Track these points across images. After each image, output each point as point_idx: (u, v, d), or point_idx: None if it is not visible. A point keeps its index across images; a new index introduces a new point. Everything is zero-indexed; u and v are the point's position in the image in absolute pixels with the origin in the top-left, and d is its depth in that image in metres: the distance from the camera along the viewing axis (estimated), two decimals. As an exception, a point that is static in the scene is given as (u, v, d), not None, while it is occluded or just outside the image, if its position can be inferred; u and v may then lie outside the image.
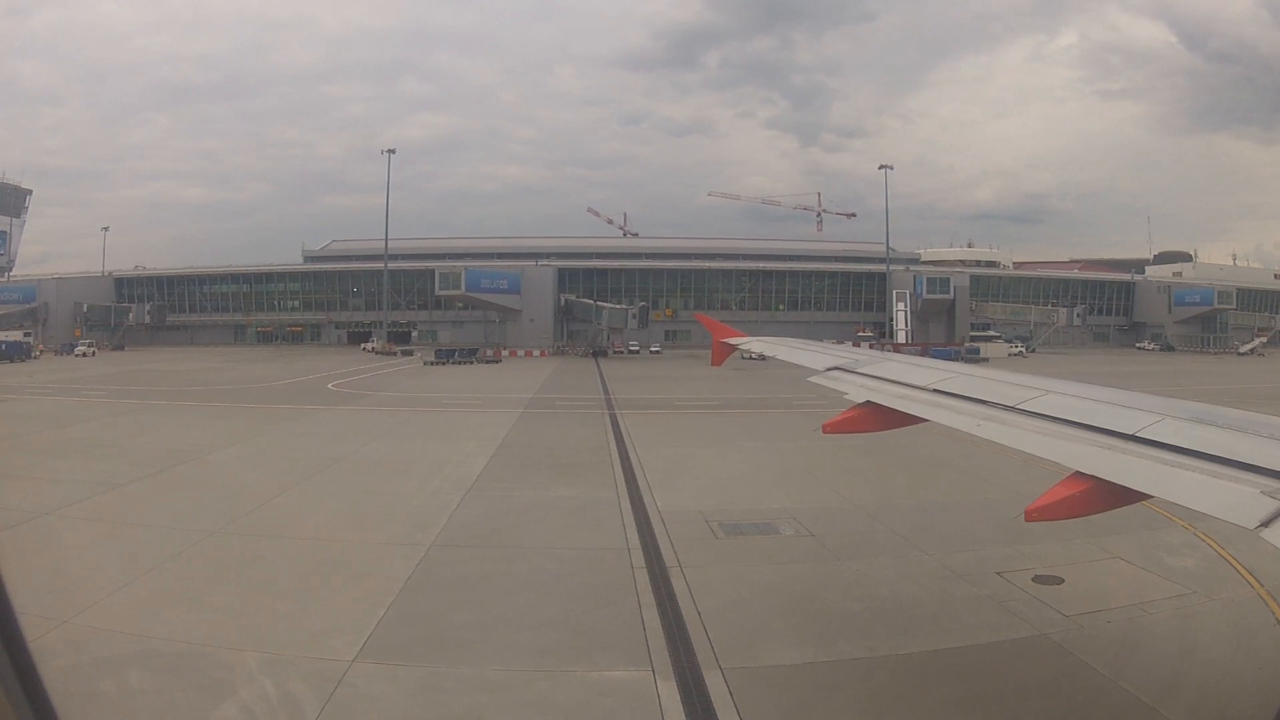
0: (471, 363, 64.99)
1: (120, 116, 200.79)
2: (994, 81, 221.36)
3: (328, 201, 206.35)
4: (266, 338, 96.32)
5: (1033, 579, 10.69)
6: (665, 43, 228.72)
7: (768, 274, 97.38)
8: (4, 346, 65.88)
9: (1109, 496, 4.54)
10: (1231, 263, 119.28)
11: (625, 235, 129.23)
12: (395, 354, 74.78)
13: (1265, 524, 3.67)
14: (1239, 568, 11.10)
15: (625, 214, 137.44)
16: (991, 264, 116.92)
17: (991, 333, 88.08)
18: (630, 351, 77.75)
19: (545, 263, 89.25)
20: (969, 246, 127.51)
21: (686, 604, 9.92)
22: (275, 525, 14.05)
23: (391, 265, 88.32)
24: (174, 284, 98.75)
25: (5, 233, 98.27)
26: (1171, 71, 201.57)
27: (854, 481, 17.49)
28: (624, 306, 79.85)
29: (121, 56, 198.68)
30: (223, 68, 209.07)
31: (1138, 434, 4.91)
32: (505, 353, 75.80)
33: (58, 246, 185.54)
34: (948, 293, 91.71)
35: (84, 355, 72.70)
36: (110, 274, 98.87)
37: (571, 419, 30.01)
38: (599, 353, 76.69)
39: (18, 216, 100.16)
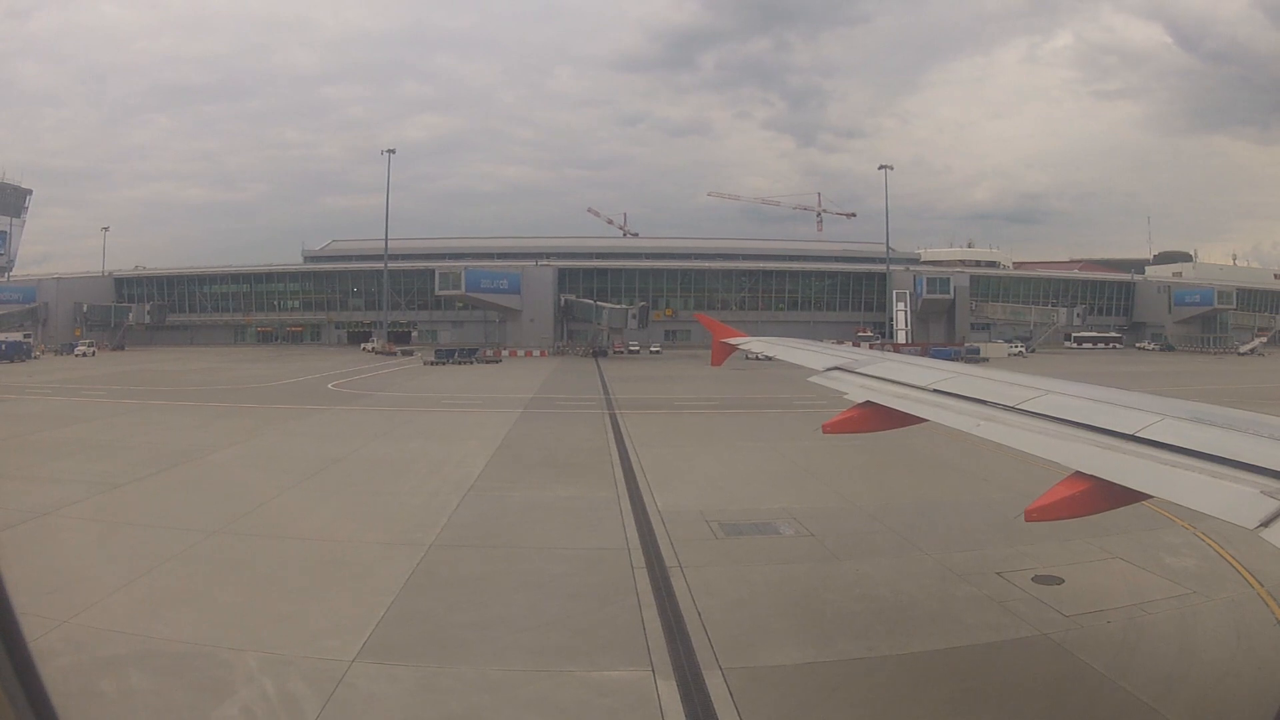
0: (471, 363, 64.98)
1: (121, 117, 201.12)
2: (990, 82, 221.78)
3: (328, 202, 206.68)
4: (266, 338, 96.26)
5: (1033, 579, 10.69)
6: (662, 44, 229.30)
7: (768, 274, 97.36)
8: (4, 346, 65.82)
9: (1109, 496, 4.54)
10: (1231, 263, 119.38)
11: (625, 235, 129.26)
12: (395, 354, 74.75)
13: (1265, 524, 3.67)
14: (1239, 568, 11.10)
15: (625, 214, 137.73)
16: (991, 264, 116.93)
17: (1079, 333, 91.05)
18: (630, 351, 77.68)
19: (545, 263, 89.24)
20: (969, 246, 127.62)
21: (686, 604, 9.92)
22: (275, 525, 14.06)
23: (391, 265, 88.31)
24: (174, 284, 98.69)
25: (5, 233, 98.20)
26: (1167, 72, 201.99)
27: (854, 481, 17.49)
28: (624, 306, 79.83)
29: (122, 57, 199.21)
30: (223, 69, 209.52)
31: (1137, 434, 4.90)
32: (505, 353, 75.78)
33: (58, 246, 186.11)
34: (948, 293, 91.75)
35: (84, 355, 72.67)
36: (110, 274, 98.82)
37: (571, 419, 30.02)
38: (599, 353, 76.67)
39: (18, 216, 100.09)
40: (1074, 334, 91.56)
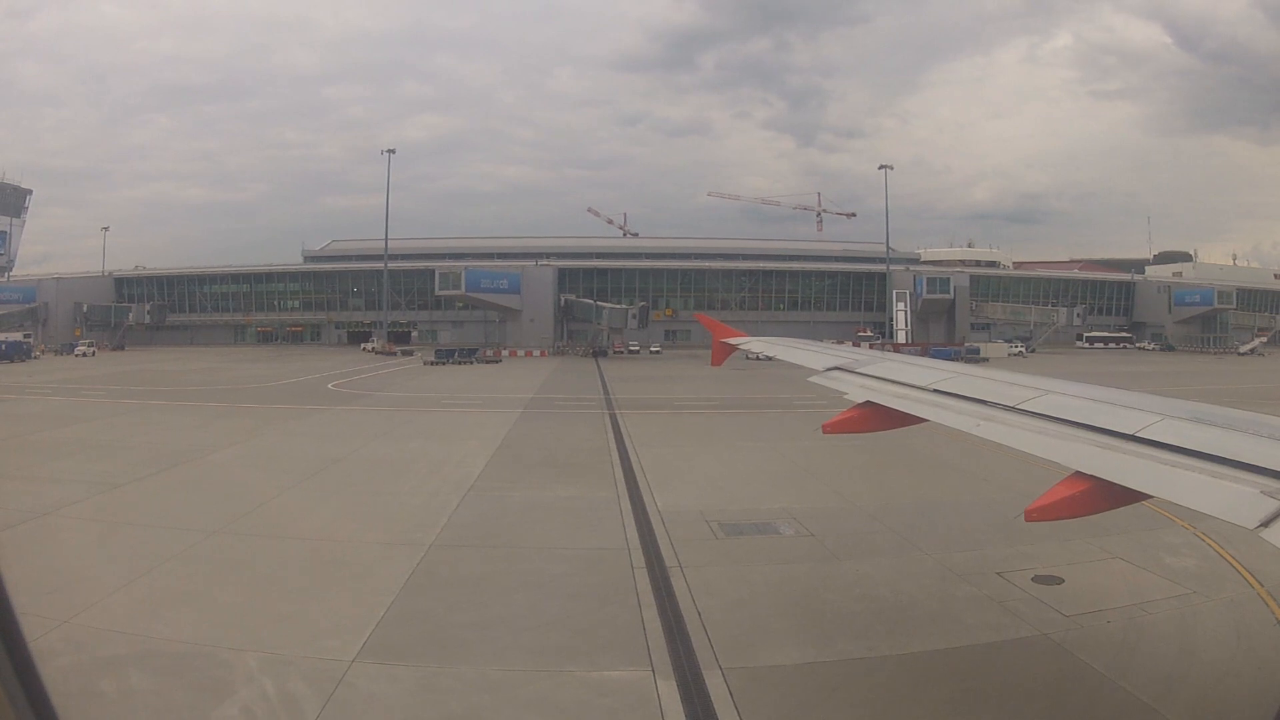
0: (471, 363, 64.97)
1: (121, 117, 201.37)
2: (989, 83, 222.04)
3: (328, 202, 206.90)
4: (266, 338, 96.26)
5: (1033, 579, 10.69)
6: (662, 44, 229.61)
7: (768, 274, 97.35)
8: (4, 346, 65.78)
9: (1109, 496, 4.54)
10: (1231, 263, 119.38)
11: (625, 235, 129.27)
12: (395, 354, 74.72)
13: (1265, 524, 3.67)
14: (1239, 568, 11.10)
15: (625, 214, 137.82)
16: (991, 264, 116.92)
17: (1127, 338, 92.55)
18: (630, 351, 77.64)
19: (545, 263, 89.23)
20: (969, 246, 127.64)
21: (686, 604, 9.92)
22: (275, 525, 14.05)
23: (391, 265, 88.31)
24: (174, 284, 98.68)
25: (5, 233, 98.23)
26: (1167, 72, 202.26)
27: (854, 481, 17.48)
28: (624, 306, 79.79)
29: (122, 58, 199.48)
30: (223, 69, 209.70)
31: (1137, 434, 4.90)
32: (505, 353, 75.77)
33: (58, 246, 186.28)
34: (948, 293, 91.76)
35: (84, 355, 72.65)
36: (110, 274, 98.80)
37: (571, 419, 30.01)
38: (599, 353, 76.66)
39: (18, 216, 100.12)
40: (1086, 334, 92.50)
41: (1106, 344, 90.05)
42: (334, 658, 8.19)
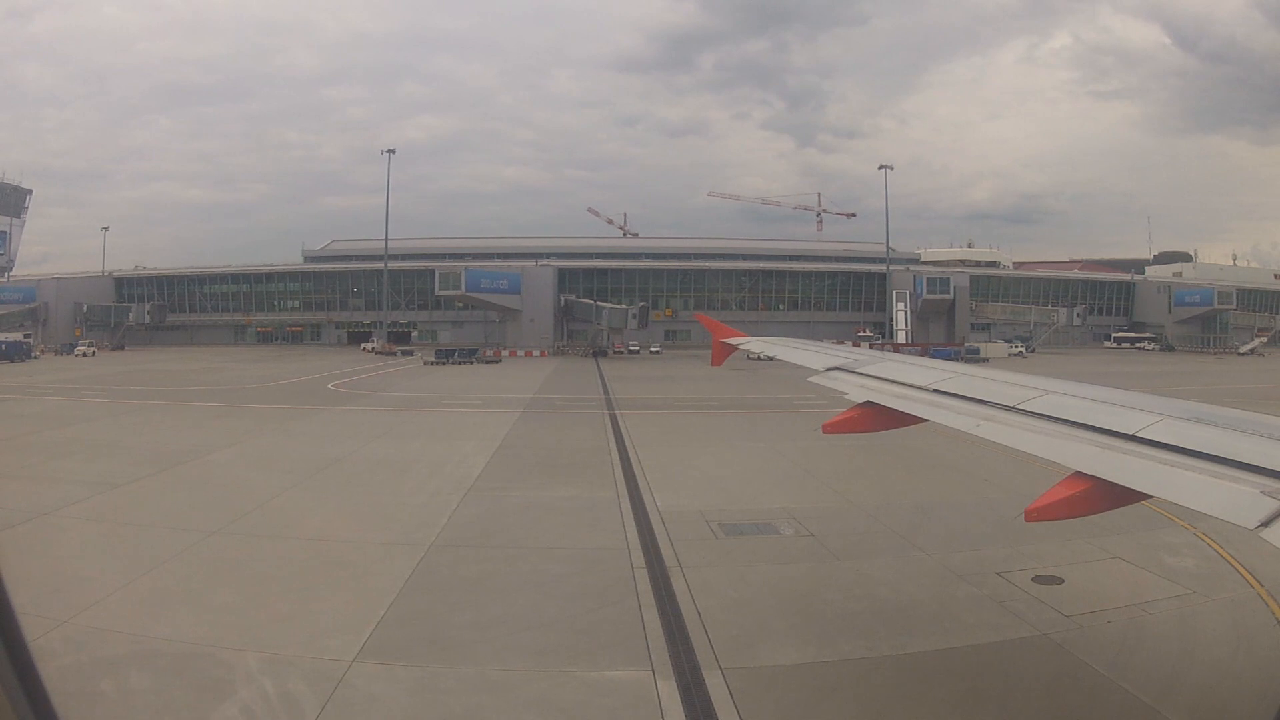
0: (471, 363, 64.95)
1: (122, 118, 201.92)
2: (987, 83, 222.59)
3: (328, 202, 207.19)
4: (266, 338, 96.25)
5: (1033, 579, 10.69)
6: (659, 45, 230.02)
7: (768, 274, 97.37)
8: (4, 346, 65.69)
9: (1109, 496, 4.54)
10: (1231, 263, 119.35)
11: (625, 235, 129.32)
12: (395, 354, 74.68)
13: (1265, 524, 3.67)
14: (1239, 568, 11.11)
15: (625, 214, 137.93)
16: (991, 264, 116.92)
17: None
18: (630, 351, 77.68)
19: (545, 263, 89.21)
20: (969, 246, 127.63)
21: (686, 604, 9.92)
22: (275, 525, 14.05)
23: (391, 265, 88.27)
24: (174, 284, 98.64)
25: (5, 233, 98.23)
26: (1165, 72, 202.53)
27: (854, 481, 17.48)
28: (624, 306, 79.80)
29: (123, 59, 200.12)
30: (224, 70, 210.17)
31: (1137, 434, 4.90)
32: (505, 353, 75.76)
33: (58, 246, 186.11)
34: (948, 293, 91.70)
35: (84, 355, 72.57)
36: (110, 274, 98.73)
37: (571, 419, 30.00)
38: (599, 353, 76.66)
39: (18, 216, 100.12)
40: (1114, 334, 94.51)
41: (1134, 344, 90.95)
42: (334, 658, 8.19)
